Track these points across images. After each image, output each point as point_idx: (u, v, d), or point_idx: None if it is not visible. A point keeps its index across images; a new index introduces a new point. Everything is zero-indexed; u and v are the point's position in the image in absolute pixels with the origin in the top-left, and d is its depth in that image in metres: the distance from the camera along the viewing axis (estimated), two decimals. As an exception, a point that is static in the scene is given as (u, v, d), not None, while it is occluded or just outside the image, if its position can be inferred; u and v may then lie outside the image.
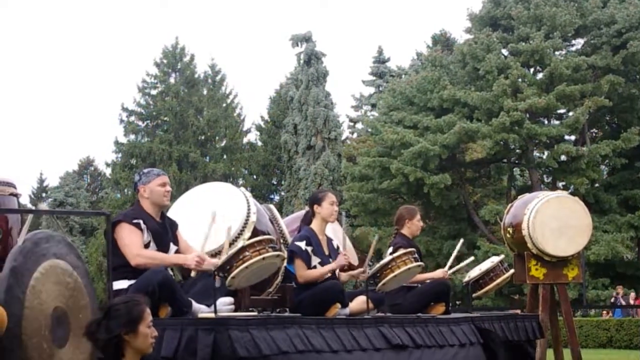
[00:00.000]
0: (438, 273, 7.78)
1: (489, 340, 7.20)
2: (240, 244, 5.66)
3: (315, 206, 6.70)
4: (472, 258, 8.91)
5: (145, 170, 5.86)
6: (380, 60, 46.15)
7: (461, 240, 8.62)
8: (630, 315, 23.07)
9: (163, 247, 5.63)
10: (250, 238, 5.89)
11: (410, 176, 28.22)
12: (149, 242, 5.56)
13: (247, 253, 5.50)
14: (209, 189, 6.86)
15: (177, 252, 5.74)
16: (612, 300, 23.97)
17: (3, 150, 68.30)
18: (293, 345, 5.30)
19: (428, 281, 7.68)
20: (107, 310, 3.85)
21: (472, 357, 6.87)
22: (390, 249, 7.32)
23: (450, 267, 7.92)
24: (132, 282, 5.35)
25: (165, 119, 42.89)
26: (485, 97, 28.15)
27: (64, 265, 4.05)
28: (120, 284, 5.41)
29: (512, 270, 8.53)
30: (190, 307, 5.42)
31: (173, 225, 5.83)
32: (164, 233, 5.68)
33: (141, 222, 5.55)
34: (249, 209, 6.32)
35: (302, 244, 6.49)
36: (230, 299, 5.65)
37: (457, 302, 24.58)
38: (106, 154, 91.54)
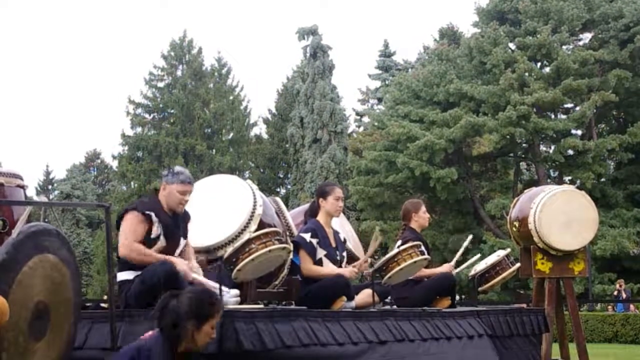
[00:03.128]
0: (444, 267, 7.78)
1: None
2: (246, 236, 5.65)
3: (321, 199, 6.69)
4: (478, 256, 8.88)
5: (176, 171, 5.70)
6: (387, 53, 46.08)
7: (469, 237, 8.56)
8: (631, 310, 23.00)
9: (173, 241, 5.62)
10: (256, 231, 5.89)
11: (416, 170, 28.20)
12: (158, 235, 5.53)
13: (253, 245, 5.50)
14: (216, 182, 6.85)
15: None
16: (615, 293, 23.90)
17: (10, 142, 68.50)
18: (298, 338, 5.30)
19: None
20: (180, 296, 3.88)
21: (478, 350, 6.86)
22: (399, 243, 7.31)
23: (457, 263, 7.91)
24: (138, 273, 5.35)
25: (172, 111, 42.86)
26: (492, 91, 28.12)
27: (53, 259, 4.05)
28: (125, 275, 5.42)
29: (518, 264, 8.53)
30: (195, 300, 5.41)
31: (186, 217, 5.80)
32: (175, 228, 5.65)
33: (153, 214, 5.53)
34: (255, 202, 6.30)
35: (307, 236, 6.48)
36: (236, 292, 5.64)
37: (463, 296, 24.54)
38: (113, 146, 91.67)
